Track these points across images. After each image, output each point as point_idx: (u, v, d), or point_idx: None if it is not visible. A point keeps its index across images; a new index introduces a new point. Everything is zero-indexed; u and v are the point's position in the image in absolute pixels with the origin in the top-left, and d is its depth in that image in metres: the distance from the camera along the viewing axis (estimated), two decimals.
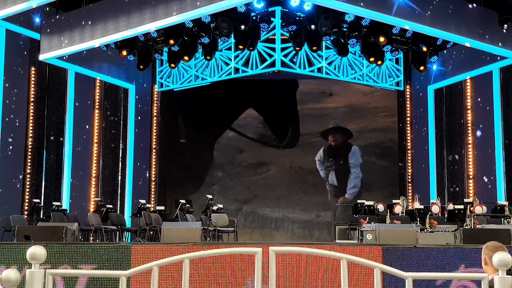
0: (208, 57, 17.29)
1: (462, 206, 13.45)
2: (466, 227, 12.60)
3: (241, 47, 16.76)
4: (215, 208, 14.44)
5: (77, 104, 17.07)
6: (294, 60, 17.49)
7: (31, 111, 15.91)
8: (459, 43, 14.65)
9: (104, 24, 13.88)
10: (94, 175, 17.50)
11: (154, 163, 19.39)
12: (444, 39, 14.82)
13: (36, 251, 3.41)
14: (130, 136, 18.74)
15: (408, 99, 19.20)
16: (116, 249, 9.50)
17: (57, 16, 15.05)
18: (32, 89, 15.97)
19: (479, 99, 16.88)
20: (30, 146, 15.80)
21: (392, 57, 18.09)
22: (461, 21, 13.70)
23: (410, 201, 17.64)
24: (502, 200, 14.76)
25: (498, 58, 15.30)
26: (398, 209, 13.82)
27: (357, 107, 19.43)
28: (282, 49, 17.23)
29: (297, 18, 16.30)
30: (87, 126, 17.50)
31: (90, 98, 17.72)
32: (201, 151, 19.56)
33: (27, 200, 15.53)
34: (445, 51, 17.14)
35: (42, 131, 16.17)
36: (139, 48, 16.54)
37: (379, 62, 16.89)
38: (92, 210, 16.43)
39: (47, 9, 15.55)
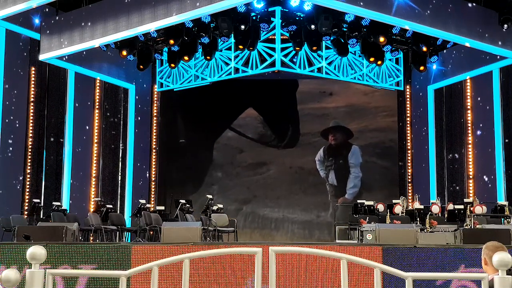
0: (208, 57, 17.29)
1: (462, 206, 13.46)
2: (466, 227, 12.60)
3: (241, 47, 16.76)
4: (215, 208, 14.45)
5: (77, 105, 17.07)
6: (294, 60, 17.49)
7: (31, 111, 15.91)
8: (459, 43, 14.65)
9: (104, 24, 13.88)
10: (94, 175, 17.50)
11: (154, 163, 19.39)
12: (444, 39, 14.82)
13: (36, 251, 3.41)
14: (130, 136, 18.74)
15: (408, 99, 19.20)
16: (116, 249, 9.49)
17: (57, 16, 15.05)
18: (32, 89, 15.97)
19: (479, 99, 16.88)
20: (30, 146, 15.80)
21: (392, 57, 18.09)
22: (461, 21, 13.70)
23: (410, 201, 17.64)
24: (502, 200, 14.77)
25: (498, 57, 15.29)
26: (398, 209, 13.82)
27: (357, 106, 19.43)
28: (282, 49, 17.23)
29: (297, 18, 16.31)
30: (87, 127, 17.50)
31: (90, 98, 17.72)
32: (201, 151, 19.56)
33: (27, 200, 15.54)
34: (445, 51, 17.14)
35: (42, 131, 16.17)
36: (139, 48, 16.54)
37: (379, 62, 16.89)
38: (92, 210, 16.44)
39: (47, 9, 15.55)
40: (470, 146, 16.87)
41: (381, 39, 15.03)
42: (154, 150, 19.43)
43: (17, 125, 15.55)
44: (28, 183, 15.69)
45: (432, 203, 14.57)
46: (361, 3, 12.47)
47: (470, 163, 16.81)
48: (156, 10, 13.05)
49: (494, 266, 3.33)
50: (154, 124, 19.54)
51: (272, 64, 17.36)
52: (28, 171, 15.73)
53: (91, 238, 14.35)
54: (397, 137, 19.21)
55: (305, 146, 19.43)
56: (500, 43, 14.08)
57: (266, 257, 3.43)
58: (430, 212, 13.69)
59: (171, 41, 15.73)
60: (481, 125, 16.74)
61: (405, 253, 9.24)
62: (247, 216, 18.96)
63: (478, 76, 16.73)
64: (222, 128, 19.72)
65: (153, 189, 19.25)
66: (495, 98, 16.20)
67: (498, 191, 15.76)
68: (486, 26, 13.93)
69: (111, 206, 16.14)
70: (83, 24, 14.27)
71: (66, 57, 15.76)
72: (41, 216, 14.93)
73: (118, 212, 17.22)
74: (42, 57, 15.07)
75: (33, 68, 15.98)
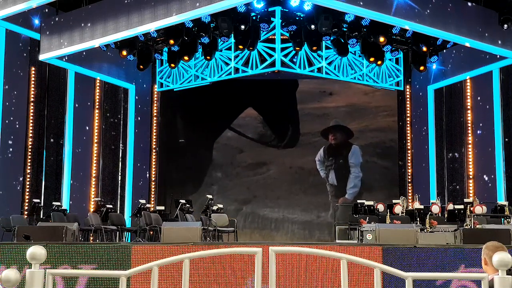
0: (208, 57, 17.29)
1: (462, 206, 13.46)
2: (466, 227, 12.60)
3: (241, 47, 16.76)
4: (215, 208, 14.45)
5: (77, 105, 17.07)
6: (294, 60, 17.49)
7: (31, 111, 15.91)
8: (459, 43, 14.65)
9: (104, 24, 13.87)
10: (94, 175, 17.50)
11: (154, 163, 19.39)
12: (444, 39, 14.82)
13: (36, 251, 3.41)
14: (130, 136, 18.74)
15: (408, 99, 19.21)
16: (116, 249, 9.50)
17: (57, 16, 15.05)
18: (32, 89, 15.97)
19: (479, 99, 16.88)
20: (30, 146, 15.80)
21: (392, 57, 18.09)
22: (461, 21, 13.70)
23: (410, 201, 17.64)
24: (502, 200, 14.77)
25: (498, 56, 15.28)
26: (398, 209, 13.83)
27: (358, 106, 19.42)
28: (282, 49, 17.23)
29: (297, 18, 16.31)
30: (87, 127, 17.49)
31: (90, 98, 17.72)
32: (201, 151, 19.55)
33: (27, 200, 15.54)
34: (444, 51, 17.14)
35: (42, 131, 16.17)
36: (139, 48, 16.54)
37: (379, 62, 16.89)
38: (92, 210, 16.44)
39: (47, 9, 15.55)
40: (470, 146, 16.88)
41: (381, 39, 15.04)
42: (154, 150, 19.43)
43: (17, 126, 15.55)
44: (28, 183, 15.69)
45: (432, 203, 14.57)
46: (361, 3, 12.47)
47: (470, 163, 16.81)
48: (156, 10, 13.05)
49: (494, 266, 3.33)
50: (154, 124, 19.54)
51: (272, 64, 17.36)
52: (28, 171, 15.73)
53: (91, 238, 14.35)
54: (397, 137, 19.22)
55: (305, 146, 19.43)
56: (500, 43, 14.08)
57: (266, 257, 3.43)
58: (430, 212, 13.69)
59: (171, 41, 15.73)
60: (481, 124, 16.74)
61: (405, 253, 9.24)
62: (247, 216, 18.95)
63: (478, 76, 16.73)
64: (222, 128, 19.72)
65: (153, 189, 19.25)
66: (495, 98, 16.20)
67: (498, 191, 15.76)
68: (486, 26, 13.93)
69: (111, 206, 16.14)
70: (83, 24, 14.26)
71: (66, 57, 15.76)
72: (41, 216, 14.93)
73: (118, 212, 17.22)
74: (42, 57, 15.07)
75: (33, 68, 15.99)
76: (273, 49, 17.28)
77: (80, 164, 17.07)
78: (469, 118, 17.01)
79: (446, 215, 13.87)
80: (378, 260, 9.03)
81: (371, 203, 14.23)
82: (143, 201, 15.51)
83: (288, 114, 19.65)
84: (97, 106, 17.83)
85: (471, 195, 16.12)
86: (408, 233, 10.76)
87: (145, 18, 13.23)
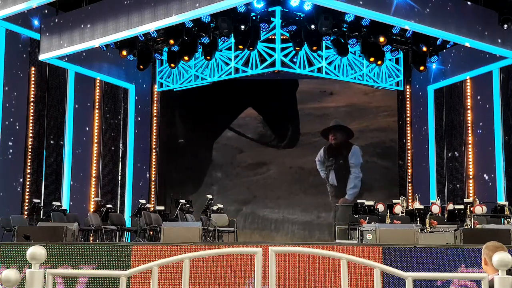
0: (208, 57, 17.29)
1: (462, 206, 13.46)
2: (466, 227, 12.60)
3: (241, 47, 16.76)
4: (215, 208, 14.45)
5: (77, 106, 17.06)
6: (294, 60, 17.50)
7: (31, 111, 15.91)
8: (459, 43, 14.65)
9: (104, 24, 13.87)
10: (94, 175, 17.50)
11: (154, 163, 19.39)
12: (444, 39, 14.82)
13: (36, 251, 3.41)
14: (130, 136, 18.74)
15: (408, 99, 19.21)
16: (116, 249, 9.50)
17: (57, 16, 15.05)
18: (32, 89, 15.97)
19: (479, 98, 16.88)
20: (30, 146, 15.80)
21: (392, 57, 18.09)
22: (461, 21, 13.70)
23: (410, 201, 17.64)
24: (502, 200, 14.77)
25: (498, 56, 15.26)
26: (398, 209, 13.83)
27: (358, 106, 19.41)
28: (282, 49, 17.23)
29: (297, 18, 16.31)
30: (87, 128, 17.49)
31: (90, 98, 17.72)
32: (201, 151, 19.55)
33: (27, 200, 15.54)
34: (444, 51, 17.14)
35: (42, 131, 16.17)
36: (139, 48, 16.54)
37: (379, 62, 16.89)
38: (92, 210, 16.43)
39: (47, 9, 15.55)
40: (470, 145, 16.88)
41: (381, 39, 15.04)
42: (154, 150, 19.43)
43: (17, 127, 15.55)
44: (28, 183, 15.69)
45: (432, 203, 14.57)
46: (360, 2, 12.47)
47: (470, 162, 16.82)
48: (156, 10, 13.05)
49: (494, 266, 3.32)
50: (154, 124, 19.54)
51: (272, 64, 17.36)
52: (28, 171, 15.73)
53: (91, 238, 14.35)
54: (397, 137, 19.22)
55: (305, 146, 19.43)
56: (500, 43, 14.08)
57: (266, 257, 3.43)
58: (430, 212, 13.69)
59: (171, 41, 15.73)
60: (481, 123, 16.74)
61: (405, 253, 9.24)
62: (247, 216, 18.95)
63: (478, 76, 16.73)
64: (221, 128, 19.71)
65: (153, 189, 19.25)
66: (495, 98, 16.20)
67: (498, 191, 15.77)
68: (486, 26, 13.93)
69: (111, 206, 16.14)
70: (83, 24, 14.26)
71: (66, 57, 15.76)
72: (41, 216, 14.93)
73: (118, 212, 17.22)
74: (42, 57, 15.06)
75: (33, 68, 15.99)
76: (273, 49, 17.28)
77: (80, 164, 17.07)
78: (469, 118, 17.02)
79: (446, 215, 13.87)
80: (378, 260, 9.03)
81: (371, 203, 14.23)
82: (143, 201, 15.51)
83: (288, 114, 19.65)
84: (97, 106, 17.83)
85: (471, 195, 16.12)
86: (408, 233, 10.76)
87: (145, 18, 13.23)
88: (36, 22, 15.59)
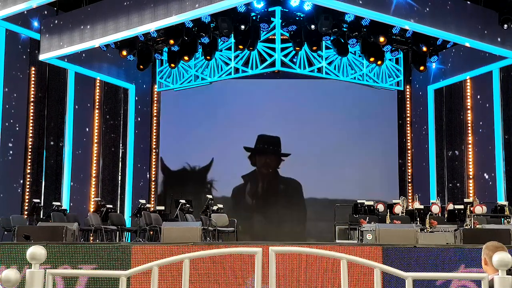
0: (208, 57, 17.29)
1: (462, 206, 13.47)
2: (466, 227, 12.61)
3: (241, 47, 16.76)
4: (215, 208, 14.44)
5: (77, 107, 17.06)
6: (294, 60, 17.50)
7: (31, 111, 15.91)
8: (459, 43, 14.65)
9: (104, 24, 13.88)
10: (94, 175, 17.50)
11: (154, 163, 19.39)
12: (444, 39, 14.83)
13: (36, 251, 3.41)
14: (130, 137, 18.74)
15: (408, 99, 19.22)
16: (116, 249, 9.50)
17: (57, 16, 15.05)
18: (32, 89, 15.97)
19: (478, 98, 16.89)
20: (30, 146, 15.80)
21: (392, 57, 18.09)
22: (461, 21, 13.70)
23: (410, 201, 17.64)
24: (502, 200, 14.78)
25: (498, 56, 15.25)
26: (398, 209, 13.83)
27: (358, 106, 19.35)
28: (282, 49, 17.23)
29: (297, 18, 16.31)
30: (87, 129, 17.49)
31: (90, 98, 17.72)
32: (201, 151, 19.51)
33: (27, 200, 15.54)
34: (444, 51, 17.14)
35: (42, 131, 16.17)
36: (139, 48, 16.54)
37: (379, 62, 16.89)
38: (92, 210, 16.43)
39: (47, 9, 15.54)
40: (470, 145, 16.89)
41: (381, 39, 15.04)
42: (154, 150, 19.43)
43: (17, 128, 15.55)
44: (28, 183, 15.69)
45: (432, 203, 14.58)
46: (360, 2, 12.47)
47: (470, 162, 16.82)
48: (156, 10, 13.05)
49: (494, 266, 3.32)
50: (154, 124, 19.54)
51: (272, 64, 17.36)
52: (28, 171, 15.73)
53: (91, 238, 14.35)
54: (397, 137, 19.21)
55: None
56: (500, 43, 14.08)
57: (266, 257, 3.43)
58: (430, 212, 13.69)
59: (171, 41, 15.73)
60: (481, 123, 16.74)
61: (405, 253, 9.25)
62: (247, 216, 18.92)
63: (478, 76, 16.74)
64: (221, 128, 19.68)
65: (153, 189, 19.25)
66: (495, 98, 16.21)
67: (498, 191, 15.77)
68: (486, 26, 13.93)
69: (111, 206, 16.13)
70: (83, 24, 14.26)
71: (66, 57, 15.76)
72: (41, 216, 14.93)
73: (118, 212, 17.22)
74: (42, 57, 15.07)
75: (33, 68, 15.99)
76: (273, 49, 17.28)
77: (80, 164, 17.07)
78: (469, 118, 17.02)
79: (446, 215, 13.88)
80: (378, 260, 9.03)
81: (371, 203, 14.23)
82: (143, 201, 15.51)
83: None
84: (97, 107, 17.83)
85: (471, 195, 16.13)
86: (408, 233, 10.77)
87: (145, 18, 13.24)
88: (36, 23, 15.58)
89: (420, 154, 18.63)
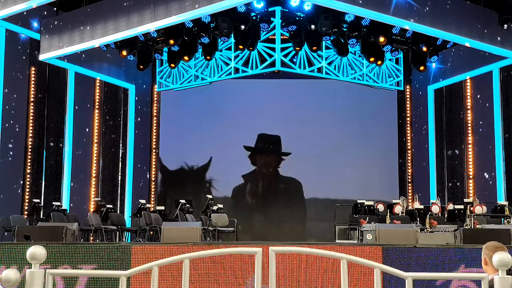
0: (208, 57, 17.29)
1: (462, 206, 13.47)
2: (466, 227, 12.61)
3: (241, 47, 16.76)
4: (215, 208, 14.44)
5: (77, 107, 17.06)
6: (294, 60, 17.50)
7: (31, 111, 15.91)
8: (459, 43, 14.65)
9: (104, 24, 13.88)
10: (94, 175, 17.50)
11: (154, 163, 19.39)
12: (444, 39, 14.82)
13: (36, 251, 3.41)
14: (130, 137, 18.74)
15: (408, 99, 19.22)
16: (116, 249, 9.50)
17: (57, 16, 15.05)
18: (32, 89, 15.97)
19: (478, 97, 16.89)
20: (30, 146, 15.80)
21: (392, 57, 18.09)
22: (461, 21, 13.70)
23: (410, 201, 17.64)
24: (502, 200, 14.78)
25: (497, 56, 15.24)
26: (398, 209, 13.83)
27: (358, 106, 19.35)
28: (282, 49, 17.24)
29: (297, 18, 16.31)
30: (87, 129, 17.49)
31: (90, 98, 17.72)
32: (201, 151, 19.52)
33: (27, 200, 15.53)
34: (444, 51, 17.13)
35: (42, 131, 16.17)
36: (139, 48, 16.54)
37: (379, 62, 16.89)
38: (92, 210, 16.43)
39: (47, 9, 15.54)
40: (470, 145, 16.89)
41: (381, 39, 15.04)
42: (154, 150, 19.43)
43: (17, 129, 15.54)
44: (28, 183, 15.69)
45: (432, 203, 14.58)
46: (360, 2, 12.47)
47: (470, 162, 16.82)
48: (156, 10, 13.05)
49: (494, 266, 3.32)
50: (154, 124, 19.54)
51: (272, 64, 17.36)
52: (28, 171, 15.73)
53: (91, 238, 14.35)
54: (397, 137, 19.21)
55: None
56: (500, 43, 14.08)
57: (266, 257, 3.43)
58: (430, 212, 13.69)
59: (171, 41, 15.73)
60: (480, 122, 16.75)
61: (405, 253, 9.25)
62: (247, 216, 18.93)
63: (478, 76, 16.74)
64: (222, 128, 19.68)
65: (153, 189, 19.25)
66: (495, 98, 16.21)
67: (498, 191, 15.77)
68: (486, 26, 13.93)
69: (111, 206, 16.13)
70: (83, 24, 14.26)
71: (66, 57, 15.76)
72: (41, 216, 14.93)
73: (118, 212, 17.22)
74: (42, 57, 15.06)
75: (33, 68, 15.99)
76: (273, 49, 17.28)
77: (80, 165, 17.07)
78: (469, 118, 17.03)
79: (446, 215, 13.88)
80: (378, 260, 9.03)
81: (371, 203, 14.23)
82: (143, 201, 15.51)
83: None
84: (97, 107, 17.83)
85: (471, 195, 16.13)
86: (408, 233, 10.77)
87: (145, 18, 13.23)
88: (36, 23, 15.58)
89: (420, 154, 18.64)
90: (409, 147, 19.05)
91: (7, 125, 15.18)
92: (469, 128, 16.98)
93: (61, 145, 16.61)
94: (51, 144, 16.38)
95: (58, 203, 15.29)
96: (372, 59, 16.43)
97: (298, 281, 8.99)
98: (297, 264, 8.99)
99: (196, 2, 12.42)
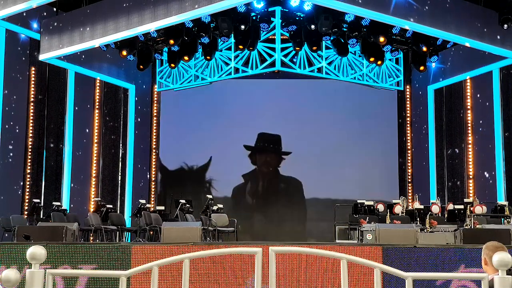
0: (208, 57, 17.29)
1: (462, 206, 13.47)
2: (466, 227, 12.61)
3: (241, 47, 16.76)
4: (215, 208, 14.45)
5: (77, 108, 17.05)
6: (294, 60, 17.50)
7: (31, 111, 15.90)
8: (459, 43, 14.65)
9: (104, 24, 13.88)
10: (94, 175, 17.50)
11: (154, 163, 19.39)
12: (444, 39, 14.83)
13: (36, 251, 3.41)
14: (130, 137, 18.74)
15: (408, 99, 19.22)
16: (116, 249, 9.50)
17: (57, 16, 15.05)
18: (32, 89, 15.97)
19: (479, 97, 16.89)
20: (30, 146, 15.80)
21: (392, 57, 18.09)
22: (461, 21, 13.70)
23: (410, 201, 17.64)
24: (502, 200, 14.78)
25: (497, 56, 15.24)
26: (398, 209, 13.83)
27: (358, 106, 19.35)
28: (282, 49, 17.24)
29: (297, 18, 16.31)
30: (87, 130, 17.48)
31: (90, 98, 17.72)
32: (201, 151, 19.52)
33: (27, 200, 15.53)
34: (444, 51, 17.13)
35: (42, 131, 16.17)
36: (139, 48, 16.54)
37: (379, 62, 16.89)
38: (92, 210, 16.43)
39: (47, 9, 15.54)
40: (470, 145, 16.89)
41: (381, 39, 15.04)
42: (154, 150, 19.43)
43: (17, 130, 15.53)
44: (28, 183, 15.68)
45: (432, 203, 14.58)
46: (360, 1, 12.47)
47: (470, 162, 16.82)
48: (156, 10, 13.05)
49: (494, 266, 3.32)
50: (154, 124, 19.54)
51: (272, 64, 17.36)
52: (28, 171, 15.72)
53: (91, 238, 14.35)
54: (397, 137, 19.21)
55: None
56: (500, 43, 14.08)
57: (266, 257, 3.43)
58: (430, 212, 13.69)
59: (171, 41, 15.73)
60: (481, 121, 16.75)
61: (405, 253, 9.25)
62: (247, 216, 18.93)
63: (478, 76, 16.74)
64: (222, 128, 19.68)
65: (153, 189, 19.24)
66: (495, 98, 16.21)
67: (498, 191, 15.77)
68: (486, 26, 13.93)
69: (111, 206, 16.13)
70: (83, 24, 14.26)
71: (66, 57, 15.76)
72: (41, 216, 14.93)
73: (118, 212, 17.22)
74: (42, 57, 15.06)
75: (33, 68, 15.99)
76: (273, 49, 17.28)
77: (80, 165, 17.07)
78: (469, 118, 17.03)
79: (446, 215, 13.88)
80: (378, 260, 9.03)
81: (371, 203, 14.23)
82: (143, 201, 15.51)
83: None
84: (97, 107, 17.83)
85: (471, 195, 16.13)
86: (408, 233, 10.77)
87: (145, 18, 13.23)
88: (36, 23, 15.58)
89: (420, 153, 18.64)
90: (409, 147, 19.04)
91: (7, 126, 15.17)
92: (469, 127, 16.98)
93: (61, 146, 16.60)
94: (51, 145, 16.38)
95: (58, 203, 15.28)
96: (372, 59, 16.43)
97: (298, 281, 8.99)
98: (297, 264, 8.99)
99: (196, 2, 12.41)
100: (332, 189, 18.56)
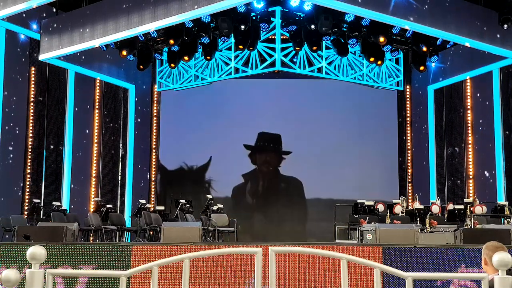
0: (208, 57, 17.29)
1: (462, 206, 13.47)
2: (466, 227, 12.61)
3: (241, 47, 16.76)
4: (215, 208, 14.44)
5: (77, 109, 17.05)
6: (294, 60, 17.50)
7: (31, 111, 15.90)
8: (459, 43, 14.65)
9: (104, 24, 13.88)
10: (94, 175, 17.50)
11: (154, 163, 19.39)
12: (444, 39, 14.82)
13: (36, 251, 3.41)
14: (130, 138, 18.74)
15: (408, 99, 19.22)
16: (116, 249, 9.50)
17: (57, 16, 15.06)
18: (32, 89, 15.97)
19: (478, 96, 16.89)
20: (30, 146, 15.80)
21: (392, 57, 18.09)
22: (461, 21, 13.70)
23: (410, 201, 17.64)
24: (502, 200, 14.78)
25: (497, 56, 15.24)
26: (398, 209, 13.83)
27: (358, 106, 19.35)
28: (282, 49, 17.24)
29: (297, 18, 16.31)
30: (87, 131, 17.48)
31: (90, 99, 17.72)
32: (201, 151, 19.52)
33: (27, 200, 15.53)
34: (444, 51, 17.13)
35: (42, 131, 16.16)
36: (139, 48, 16.54)
37: (379, 62, 16.89)
38: (92, 210, 16.43)
39: (47, 9, 15.54)
40: (470, 145, 16.89)
41: (381, 39, 15.04)
42: (154, 150, 19.43)
43: (17, 131, 15.53)
44: (28, 183, 15.68)
45: (432, 203, 14.58)
46: (359, 1, 12.47)
47: (470, 162, 16.82)
48: (156, 10, 13.05)
49: (494, 266, 3.32)
50: (154, 124, 19.54)
51: (272, 64, 17.37)
52: (28, 171, 15.72)
53: (91, 238, 14.35)
54: (397, 137, 19.21)
55: None
56: (500, 43, 14.08)
57: (266, 257, 3.43)
58: (430, 212, 13.69)
59: (171, 41, 15.74)
60: (480, 121, 16.75)
61: (405, 253, 9.25)
62: (247, 216, 18.92)
63: (478, 76, 16.74)
64: (222, 128, 19.68)
65: (153, 189, 19.24)
66: (495, 98, 16.21)
67: (498, 191, 15.77)
68: (486, 26, 13.93)
69: (111, 206, 16.13)
70: (83, 24, 14.26)
71: (66, 57, 15.75)
72: (41, 216, 14.93)
73: (118, 212, 17.22)
74: (42, 57, 15.06)
75: (33, 68, 15.98)
76: (273, 49, 17.28)
77: (80, 166, 17.06)
78: (469, 118, 17.03)
79: (446, 215, 13.88)
80: (378, 260, 9.03)
81: (371, 203, 14.23)
82: (143, 201, 15.51)
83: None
84: (97, 107, 17.83)
85: (471, 195, 16.13)
86: (408, 233, 10.77)
87: (145, 18, 13.24)
88: (35, 23, 15.57)
89: (420, 153, 18.64)
90: (409, 147, 19.05)
91: (7, 127, 15.17)
92: (469, 127, 16.98)
93: (61, 147, 16.60)
94: (51, 146, 16.37)
95: (58, 203, 15.28)
96: (372, 59, 16.43)
97: (298, 281, 8.99)
98: (297, 264, 8.99)
99: (196, 2, 12.42)
100: (332, 189, 18.56)
